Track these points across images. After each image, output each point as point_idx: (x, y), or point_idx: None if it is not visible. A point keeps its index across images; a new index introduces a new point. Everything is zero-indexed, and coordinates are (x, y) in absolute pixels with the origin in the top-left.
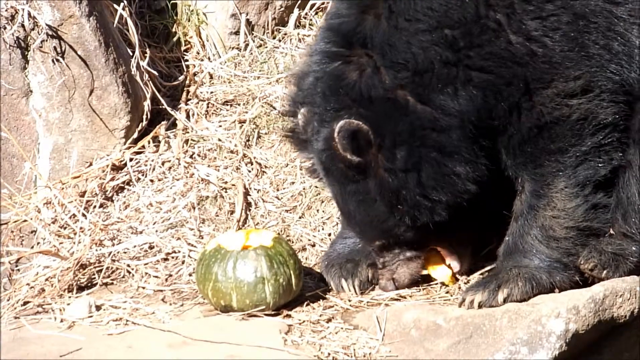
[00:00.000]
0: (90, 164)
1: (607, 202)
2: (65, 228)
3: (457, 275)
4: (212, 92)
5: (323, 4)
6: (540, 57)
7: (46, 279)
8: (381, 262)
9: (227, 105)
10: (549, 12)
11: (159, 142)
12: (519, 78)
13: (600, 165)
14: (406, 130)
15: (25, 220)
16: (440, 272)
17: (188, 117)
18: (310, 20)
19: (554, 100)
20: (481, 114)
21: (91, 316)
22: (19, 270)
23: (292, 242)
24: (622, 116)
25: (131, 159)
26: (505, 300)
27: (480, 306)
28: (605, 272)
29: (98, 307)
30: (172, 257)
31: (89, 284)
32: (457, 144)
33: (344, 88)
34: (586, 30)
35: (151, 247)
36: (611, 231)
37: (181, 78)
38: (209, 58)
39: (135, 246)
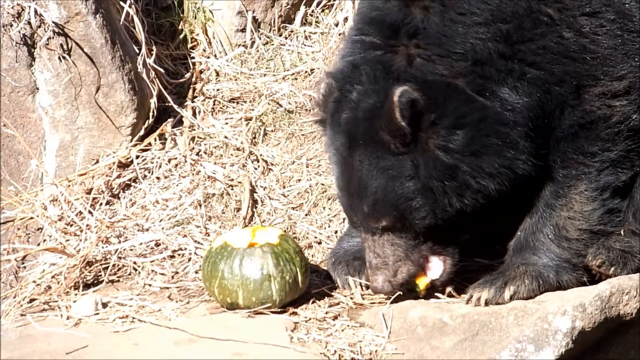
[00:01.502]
0: (97, 162)
1: (621, 206)
2: (71, 225)
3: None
4: (218, 90)
5: (329, 1)
6: (590, 53)
7: (52, 277)
8: (378, 255)
9: (234, 102)
10: (595, 8)
11: (166, 139)
12: (570, 75)
13: (622, 172)
14: (472, 116)
15: (31, 218)
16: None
17: (194, 114)
18: (317, 17)
19: (599, 99)
20: (537, 111)
21: (97, 313)
22: (25, 267)
23: (299, 239)
24: None
25: (137, 157)
26: (512, 298)
27: (487, 303)
28: (613, 269)
29: (104, 305)
30: (179, 255)
31: (95, 282)
32: (518, 140)
33: (393, 73)
34: (627, 29)
35: (157, 245)
36: (621, 230)
37: (187, 75)
38: (215, 55)
39: (141, 243)
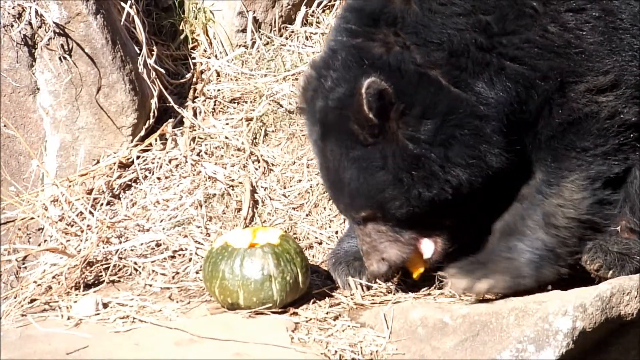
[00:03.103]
0: (98, 162)
1: (613, 199)
2: (72, 226)
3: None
4: (219, 90)
5: (330, 1)
6: (575, 49)
7: (53, 277)
8: (367, 242)
9: (234, 103)
10: (581, 4)
11: (166, 139)
12: (555, 71)
13: (615, 163)
14: (442, 107)
15: (32, 218)
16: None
17: (195, 114)
18: (318, 17)
19: (585, 97)
20: (514, 107)
21: (98, 314)
22: (25, 267)
23: (299, 239)
24: None
25: (138, 157)
26: (486, 292)
27: (463, 292)
28: (611, 272)
29: (105, 305)
30: (179, 255)
31: (96, 282)
32: (490, 134)
33: (368, 59)
34: (613, 26)
35: (158, 245)
36: (618, 227)
37: (188, 76)
38: (216, 56)
39: (142, 244)
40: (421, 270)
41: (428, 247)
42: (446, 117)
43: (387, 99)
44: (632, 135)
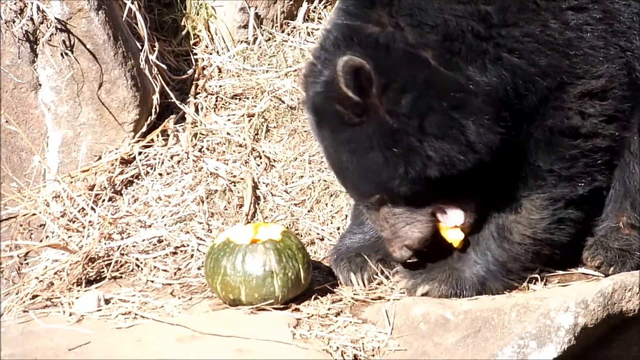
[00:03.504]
0: (99, 158)
1: (576, 216)
2: (74, 222)
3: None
4: (220, 86)
5: None
6: (574, 49)
7: (55, 273)
8: (385, 228)
9: (236, 99)
10: (583, 3)
11: (168, 135)
12: (554, 69)
13: (580, 185)
14: (422, 79)
15: (34, 214)
16: (453, 233)
17: (197, 110)
18: (319, 13)
19: (577, 101)
20: (510, 93)
21: (100, 310)
22: (27, 263)
23: (301, 235)
24: (618, 137)
25: (140, 153)
26: (423, 295)
27: (403, 292)
28: (612, 269)
29: (107, 301)
30: (181, 251)
31: (98, 278)
32: (478, 106)
33: (358, 37)
34: (611, 30)
35: (160, 241)
36: (620, 224)
37: (190, 72)
38: (217, 52)
39: (144, 240)
40: (461, 238)
41: (458, 215)
42: (426, 88)
43: (364, 75)
44: (601, 159)
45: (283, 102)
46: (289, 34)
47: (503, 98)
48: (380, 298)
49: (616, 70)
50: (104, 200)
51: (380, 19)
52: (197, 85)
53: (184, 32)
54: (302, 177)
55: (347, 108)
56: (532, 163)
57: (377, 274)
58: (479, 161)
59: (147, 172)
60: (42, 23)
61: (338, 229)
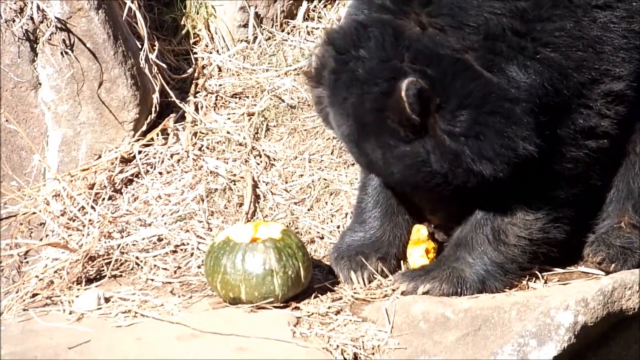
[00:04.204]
0: (99, 157)
1: (569, 213)
2: (74, 220)
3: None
4: (220, 85)
5: None
6: (603, 45)
7: (55, 271)
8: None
9: (236, 98)
10: (607, 2)
11: (168, 134)
12: (586, 63)
13: (578, 186)
14: (477, 94)
15: (34, 213)
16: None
17: (197, 109)
18: (319, 12)
19: (600, 100)
20: (548, 89)
21: (100, 308)
22: (27, 262)
23: (301, 234)
24: (624, 138)
25: (140, 152)
26: (424, 294)
27: (404, 294)
28: (613, 265)
29: (107, 299)
30: (181, 250)
31: (98, 276)
32: (521, 116)
33: (403, 40)
34: (631, 28)
35: (160, 240)
36: (622, 224)
37: (190, 71)
38: (217, 51)
39: (144, 238)
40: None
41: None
42: (480, 106)
43: (425, 95)
44: (602, 159)
45: (283, 101)
46: (288, 33)
47: (542, 94)
48: (380, 297)
49: (634, 73)
50: (104, 199)
51: (419, 17)
52: (197, 84)
53: (183, 31)
54: (302, 175)
55: (405, 127)
56: (534, 163)
57: (376, 273)
58: (509, 172)
59: (147, 171)
60: (42, 22)
61: (338, 227)
